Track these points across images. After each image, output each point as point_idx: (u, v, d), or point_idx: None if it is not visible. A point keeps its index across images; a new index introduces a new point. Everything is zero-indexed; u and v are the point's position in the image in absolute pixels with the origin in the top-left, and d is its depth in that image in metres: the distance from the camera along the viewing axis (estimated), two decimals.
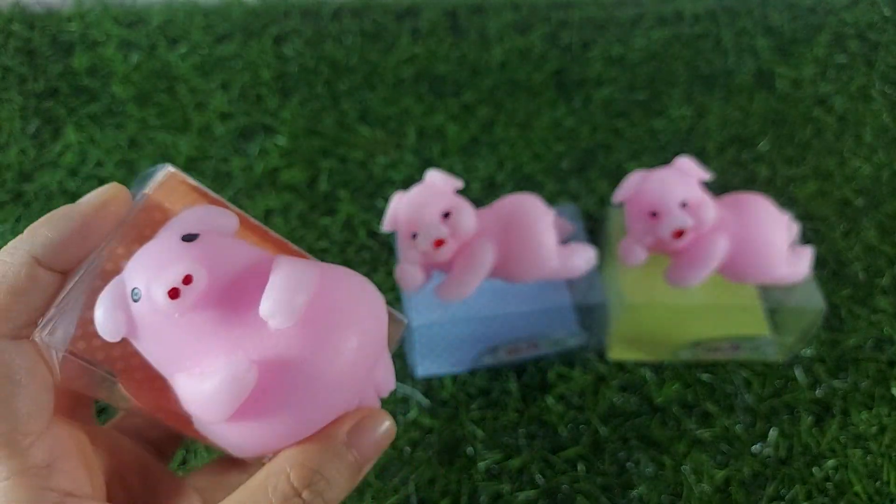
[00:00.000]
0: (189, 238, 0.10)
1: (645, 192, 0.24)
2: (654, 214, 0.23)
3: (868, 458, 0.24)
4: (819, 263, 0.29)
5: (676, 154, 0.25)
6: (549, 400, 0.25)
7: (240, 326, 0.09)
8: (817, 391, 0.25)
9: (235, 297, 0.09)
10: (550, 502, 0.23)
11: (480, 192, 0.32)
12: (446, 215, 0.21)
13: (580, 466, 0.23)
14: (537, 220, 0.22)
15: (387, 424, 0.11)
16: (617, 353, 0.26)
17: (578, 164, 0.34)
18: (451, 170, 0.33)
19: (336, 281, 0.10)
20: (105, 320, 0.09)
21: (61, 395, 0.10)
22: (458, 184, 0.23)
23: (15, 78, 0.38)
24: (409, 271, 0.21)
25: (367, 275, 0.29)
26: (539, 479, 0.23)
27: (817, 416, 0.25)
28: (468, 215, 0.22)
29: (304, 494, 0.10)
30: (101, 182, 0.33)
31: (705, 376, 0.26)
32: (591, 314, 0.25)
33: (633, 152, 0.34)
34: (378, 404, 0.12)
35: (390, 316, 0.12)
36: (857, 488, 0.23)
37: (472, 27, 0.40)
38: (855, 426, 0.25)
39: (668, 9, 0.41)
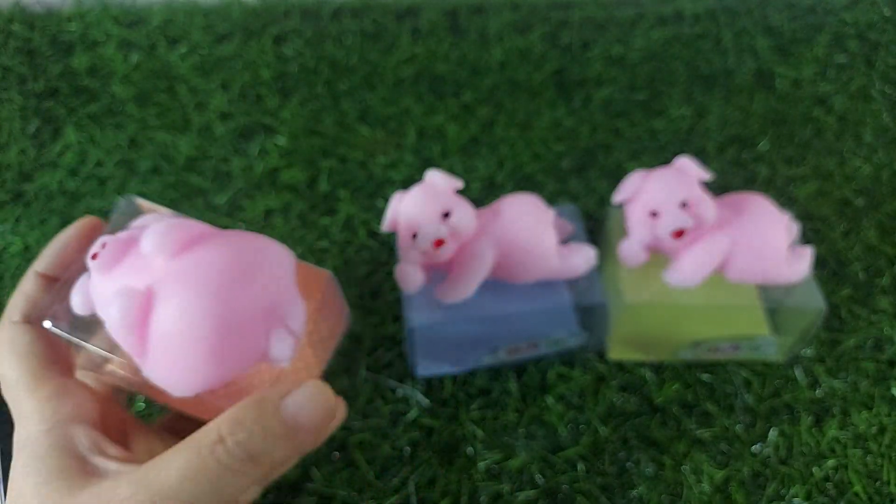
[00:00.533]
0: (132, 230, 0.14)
1: (645, 192, 0.24)
2: (654, 214, 0.23)
3: (868, 458, 0.24)
4: (819, 263, 0.29)
5: (676, 154, 0.25)
6: (549, 400, 0.25)
7: (136, 269, 0.12)
8: (817, 391, 0.25)
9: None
10: (550, 502, 0.23)
11: (480, 192, 0.32)
12: (446, 215, 0.21)
13: (580, 466, 0.23)
14: (537, 220, 0.22)
15: (324, 396, 0.12)
16: (617, 353, 0.26)
17: (578, 163, 0.34)
18: (451, 170, 0.33)
19: (228, 235, 0.13)
20: (75, 295, 0.13)
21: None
22: (458, 184, 0.23)
23: (15, 78, 0.38)
24: (409, 271, 0.21)
25: (367, 275, 0.29)
26: (539, 479, 0.23)
27: (817, 416, 0.25)
28: (468, 215, 0.22)
29: (228, 441, 0.11)
30: (101, 182, 0.33)
31: (705, 376, 0.26)
32: (590, 314, 0.25)
33: (633, 152, 0.34)
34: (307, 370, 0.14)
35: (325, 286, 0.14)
36: (857, 488, 0.23)
37: (472, 27, 0.40)
38: (855, 426, 0.25)
39: (668, 9, 0.41)
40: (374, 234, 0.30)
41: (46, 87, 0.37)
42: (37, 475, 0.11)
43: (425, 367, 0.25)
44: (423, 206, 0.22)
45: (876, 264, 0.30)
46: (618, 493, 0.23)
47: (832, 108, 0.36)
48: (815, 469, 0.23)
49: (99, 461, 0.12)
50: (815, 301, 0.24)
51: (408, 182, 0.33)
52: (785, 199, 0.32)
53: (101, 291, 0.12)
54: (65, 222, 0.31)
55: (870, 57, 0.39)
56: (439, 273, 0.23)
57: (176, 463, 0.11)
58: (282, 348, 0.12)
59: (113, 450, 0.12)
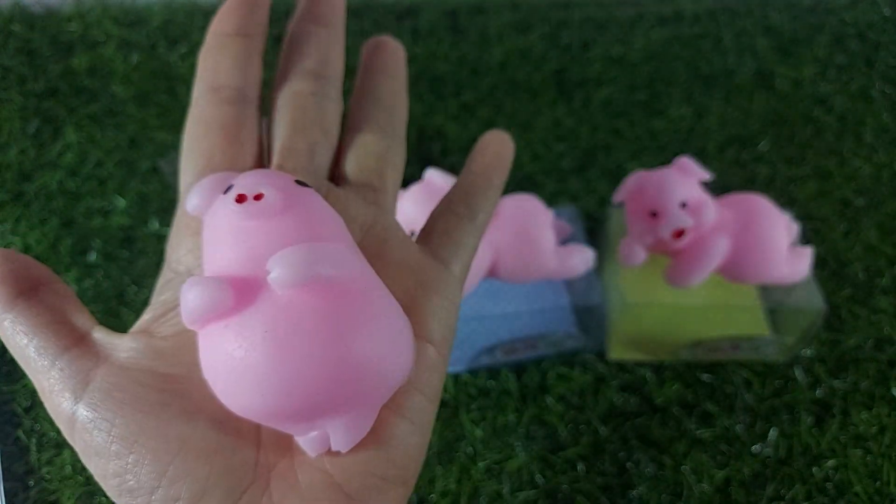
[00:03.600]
0: (301, 183, 0.10)
1: (645, 192, 0.24)
2: (653, 214, 0.23)
3: (868, 458, 0.24)
4: (819, 263, 0.29)
5: (676, 154, 0.25)
6: (549, 400, 0.25)
7: (259, 263, 0.09)
8: (817, 391, 0.25)
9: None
10: (550, 502, 0.23)
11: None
12: None
13: (580, 466, 0.23)
14: (536, 220, 0.22)
15: None
16: (617, 353, 0.26)
17: (578, 164, 0.34)
18: (451, 169, 0.33)
19: (378, 292, 0.10)
20: (194, 195, 0.10)
21: None
22: None
23: (15, 78, 0.38)
24: None
25: None
26: (539, 479, 0.23)
27: (817, 416, 0.25)
28: None
29: None
30: (101, 182, 0.33)
31: (705, 376, 0.26)
32: (589, 315, 0.25)
33: (633, 152, 0.34)
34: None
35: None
36: (858, 488, 0.23)
37: (472, 27, 0.40)
38: (855, 426, 0.25)
39: (668, 9, 0.41)
40: None
41: (46, 87, 0.37)
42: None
43: None
44: (421, 204, 0.22)
45: (876, 264, 0.30)
46: (618, 493, 0.23)
47: (832, 108, 0.36)
48: (815, 469, 0.23)
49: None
50: (816, 301, 0.24)
51: (407, 181, 0.32)
52: (785, 200, 0.32)
53: (217, 237, 0.10)
54: (65, 222, 0.32)
55: (870, 57, 0.39)
56: None
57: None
58: (315, 446, 0.09)
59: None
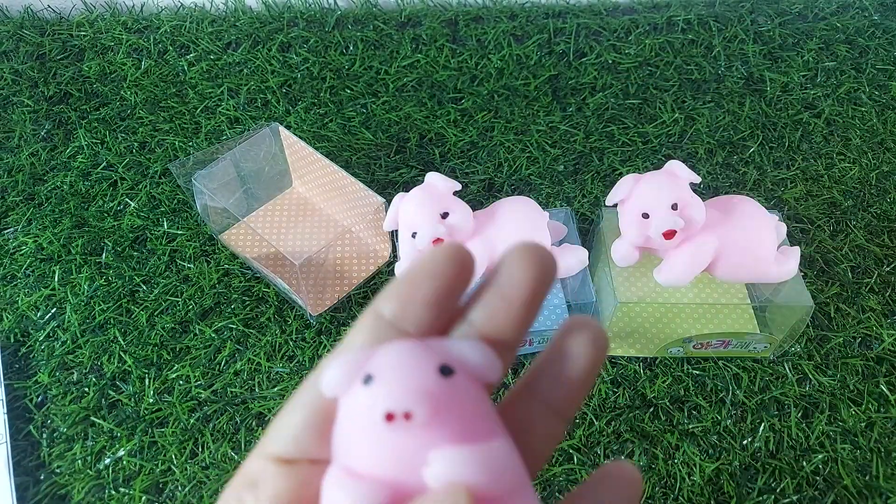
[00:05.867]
0: (444, 371, 0.09)
1: (637, 195, 0.24)
2: (645, 216, 0.24)
3: (857, 452, 0.24)
4: (807, 263, 0.30)
5: (667, 158, 0.26)
6: None
7: (410, 466, 0.09)
8: (805, 387, 0.26)
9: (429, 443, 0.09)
10: (546, 493, 0.23)
11: (479, 194, 0.33)
12: (444, 216, 0.22)
13: (575, 458, 0.24)
14: (531, 221, 0.23)
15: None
16: (610, 349, 0.27)
17: (573, 167, 0.34)
18: (450, 173, 0.34)
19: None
20: (332, 378, 0.09)
21: None
22: (457, 186, 0.24)
23: (26, 82, 0.39)
24: None
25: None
26: None
27: (806, 411, 0.26)
28: (465, 216, 0.23)
29: None
30: (113, 185, 0.34)
31: (696, 372, 0.26)
32: (582, 312, 0.26)
33: (626, 156, 0.35)
34: None
35: None
36: (847, 482, 0.24)
37: (471, 35, 0.41)
38: (843, 421, 0.25)
39: (660, 16, 0.42)
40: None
41: (57, 91, 0.38)
42: None
43: None
44: (422, 206, 0.22)
45: (863, 264, 0.30)
46: None
47: (821, 112, 0.37)
48: (804, 462, 0.24)
49: None
50: (804, 299, 0.25)
51: (409, 184, 0.33)
52: (774, 202, 0.33)
53: (358, 436, 0.09)
54: (77, 223, 0.32)
55: (858, 61, 0.40)
56: None
57: None
58: None
59: None
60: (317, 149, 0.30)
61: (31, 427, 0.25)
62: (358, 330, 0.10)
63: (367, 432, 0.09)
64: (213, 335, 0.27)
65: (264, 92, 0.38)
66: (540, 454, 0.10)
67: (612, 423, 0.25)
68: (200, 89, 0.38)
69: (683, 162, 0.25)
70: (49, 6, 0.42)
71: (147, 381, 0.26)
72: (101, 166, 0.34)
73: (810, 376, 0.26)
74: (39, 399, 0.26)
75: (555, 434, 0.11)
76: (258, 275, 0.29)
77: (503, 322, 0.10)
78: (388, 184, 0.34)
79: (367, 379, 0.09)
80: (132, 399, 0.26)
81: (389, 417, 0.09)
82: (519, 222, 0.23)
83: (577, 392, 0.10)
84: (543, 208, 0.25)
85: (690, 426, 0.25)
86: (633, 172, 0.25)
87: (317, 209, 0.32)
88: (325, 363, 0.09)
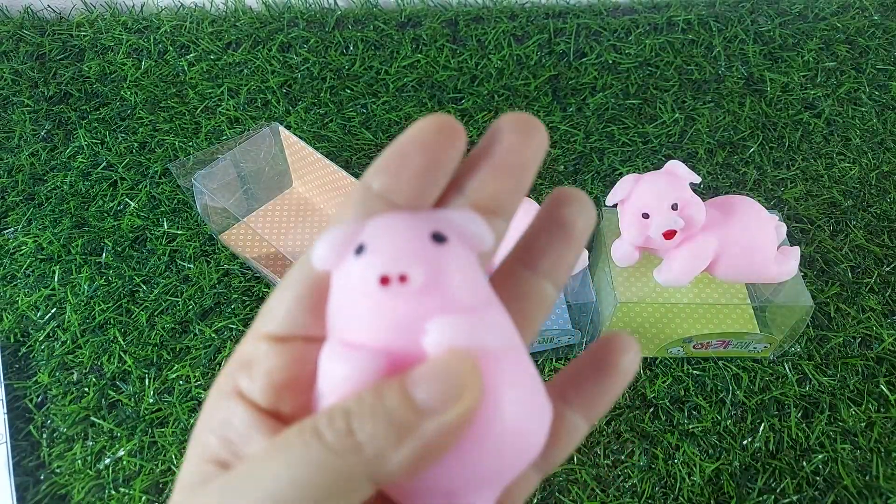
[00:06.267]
0: (437, 238, 0.09)
1: (637, 195, 0.24)
2: (645, 216, 0.24)
3: (857, 452, 0.24)
4: (807, 263, 0.30)
5: (668, 158, 0.26)
6: None
7: (407, 334, 0.08)
8: (805, 387, 0.26)
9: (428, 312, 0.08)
10: (546, 493, 0.23)
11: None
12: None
13: (575, 458, 0.24)
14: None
15: (448, 368, 0.08)
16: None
17: (573, 167, 0.34)
18: None
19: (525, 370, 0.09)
20: (323, 251, 0.09)
21: None
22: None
23: (26, 82, 0.39)
24: None
25: None
26: None
27: (806, 411, 0.26)
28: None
29: (335, 413, 0.08)
30: (113, 185, 0.34)
31: (696, 372, 0.26)
32: (583, 312, 0.26)
33: (626, 156, 0.35)
34: None
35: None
36: (847, 482, 0.24)
37: (471, 36, 0.41)
38: (843, 421, 0.25)
39: (660, 17, 0.42)
40: None
41: (58, 91, 0.38)
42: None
43: None
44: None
45: (863, 264, 0.30)
46: (611, 484, 0.24)
47: (821, 112, 0.37)
48: (804, 462, 0.24)
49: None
50: (804, 299, 0.25)
51: None
52: (774, 201, 0.33)
53: (355, 305, 0.09)
54: (77, 223, 0.32)
55: (858, 62, 0.40)
56: None
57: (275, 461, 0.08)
58: None
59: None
60: (317, 149, 0.30)
61: (31, 427, 0.25)
62: (348, 204, 0.10)
63: (362, 301, 0.09)
64: (213, 335, 0.27)
65: (264, 92, 0.38)
66: (533, 320, 0.11)
67: (612, 422, 0.25)
68: (200, 89, 0.38)
69: (683, 162, 0.25)
70: (49, 6, 0.42)
71: (147, 381, 0.26)
72: (101, 166, 0.34)
73: (810, 376, 0.26)
74: (39, 399, 0.26)
75: (547, 300, 0.11)
76: (258, 275, 0.29)
77: (493, 190, 0.10)
78: None
79: (360, 249, 0.09)
80: (132, 399, 0.26)
81: (384, 281, 0.08)
82: (519, 223, 0.23)
83: (566, 258, 0.10)
84: None
85: (690, 426, 0.25)
86: (633, 172, 0.25)
87: (317, 209, 0.33)
88: (316, 239, 0.09)
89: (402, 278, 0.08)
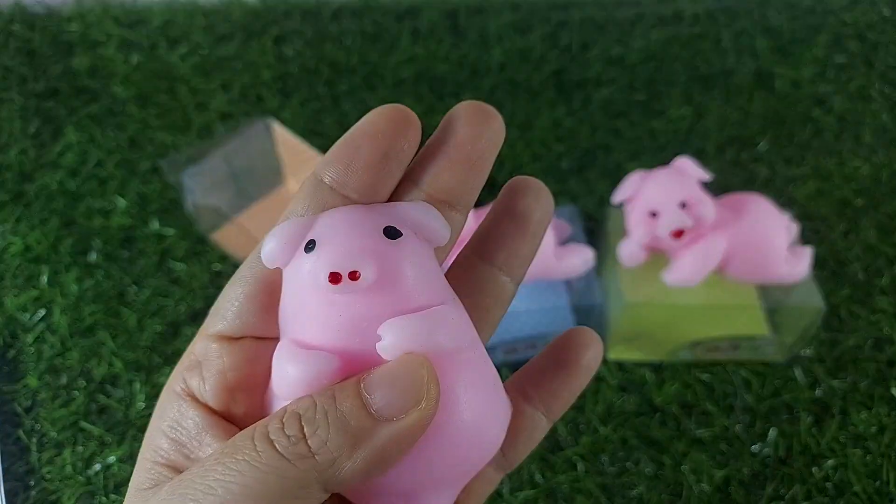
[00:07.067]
0: (390, 234, 0.09)
1: (644, 193, 0.24)
2: (653, 214, 0.23)
3: (868, 458, 0.24)
4: (818, 263, 0.29)
5: (676, 154, 0.25)
6: None
7: (361, 334, 0.08)
8: (817, 391, 0.25)
9: (380, 311, 0.08)
10: (550, 502, 0.23)
11: (480, 192, 0.32)
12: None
13: (580, 466, 0.23)
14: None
15: (408, 372, 0.08)
16: (616, 353, 0.26)
17: (578, 164, 0.34)
18: None
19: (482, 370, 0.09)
20: (272, 248, 0.09)
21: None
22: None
23: (15, 78, 0.38)
24: None
25: None
26: (539, 478, 0.23)
27: (816, 415, 0.25)
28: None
29: (287, 415, 0.08)
30: (102, 183, 0.33)
31: (705, 376, 0.26)
32: (588, 315, 0.25)
33: (633, 152, 0.34)
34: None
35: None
36: (857, 488, 0.23)
37: (472, 28, 0.40)
38: (854, 426, 0.25)
39: (667, 9, 0.41)
40: None
41: (47, 87, 0.37)
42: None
43: None
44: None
45: (875, 264, 0.30)
46: (617, 492, 0.23)
47: (831, 109, 0.36)
48: (814, 469, 0.23)
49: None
50: (815, 301, 0.24)
51: None
52: (784, 200, 0.32)
53: (306, 304, 0.08)
54: (65, 222, 0.32)
55: (869, 57, 0.39)
56: None
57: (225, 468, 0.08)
58: None
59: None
60: (311, 145, 0.29)
61: (20, 431, 0.25)
62: (298, 199, 0.09)
63: (313, 299, 0.08)
64: None
65: (257, 86, 0.37)
66: (490, 314, 0.10)
67: (619, 429, 0.24)
68: (192, 84, 0.37)
69: (692, 159, 0.24)
70: (39, 1, 0.42)
71: (137, 385, 0.26)
72: (91, 164, 0.33)
73: (822, 380, 0.26)
74: (28, 403, 0.26)
75: (504, 293, 0.10)
76: None
77: (448, 181, 0.09)
78: None
79: (310, 245, 0.09)
80: (122, 403, 0.25)
81: (335, 278, 0.08)
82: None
83: (522, 251, 0.10)
84: None
85: (699, 432, 0.24)
86: (641, 169, 0.24)
87: None
88: (266, 236, 0.09)
89: (353, 276, 0.08)
